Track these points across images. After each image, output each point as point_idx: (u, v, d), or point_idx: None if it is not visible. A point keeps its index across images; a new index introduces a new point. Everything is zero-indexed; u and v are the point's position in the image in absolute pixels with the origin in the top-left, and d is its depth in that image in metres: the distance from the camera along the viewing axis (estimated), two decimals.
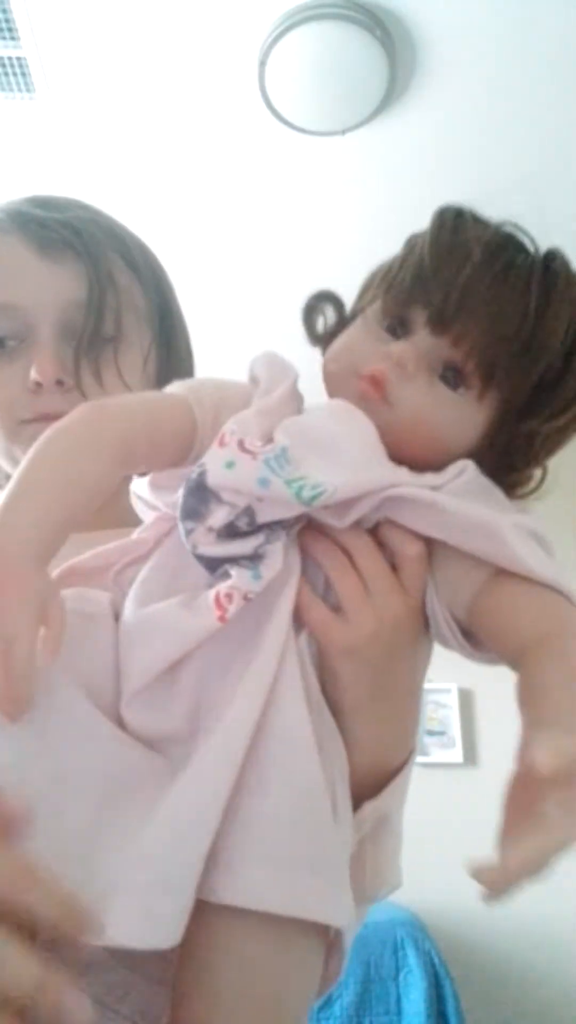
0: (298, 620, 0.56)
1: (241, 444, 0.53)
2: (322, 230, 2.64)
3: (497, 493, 0.59)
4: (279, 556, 0.53)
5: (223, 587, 0.52)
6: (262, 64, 2.05)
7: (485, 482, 0.58)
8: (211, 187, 2.50)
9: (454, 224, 0.60)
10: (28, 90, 2.17)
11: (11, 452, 0.74)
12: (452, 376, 0.58)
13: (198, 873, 0.45)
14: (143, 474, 0.61)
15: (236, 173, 2.45)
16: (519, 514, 0.58)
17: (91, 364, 0.72)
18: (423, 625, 0.59)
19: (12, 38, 2.03)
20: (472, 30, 2.01)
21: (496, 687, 3.44)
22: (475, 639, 0.58)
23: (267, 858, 0.46)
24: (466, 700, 3.32)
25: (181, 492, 0.53)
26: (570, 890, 3.09)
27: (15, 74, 2.12)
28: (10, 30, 2.01)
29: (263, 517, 0.53)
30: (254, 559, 0.52)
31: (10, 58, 2.08)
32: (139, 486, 0.61)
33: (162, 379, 0.79)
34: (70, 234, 0.75)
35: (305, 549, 0.57)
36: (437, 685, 3.30)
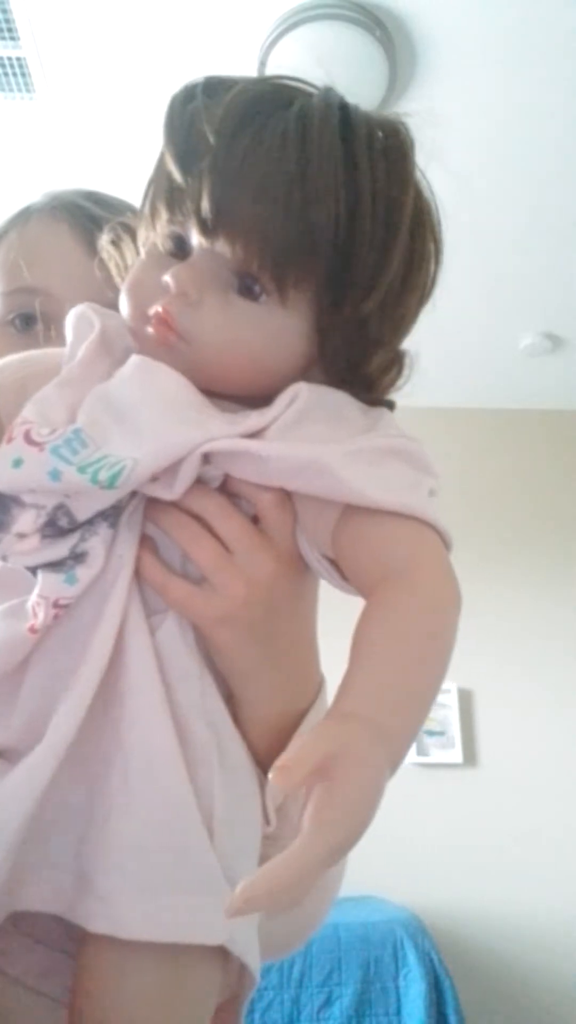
0: (157, 606, 0.51)
1: (27, 436, 0.47)
2: None
3: (345, 410, 0.52)
4: (100, 553, 0.48)
5: (33, 596, 0.47)
6: (262, 64, 2.05)
7: (328, 400, 0.51)
8: None
9: (184, 107, 0.51)
10: (28, 90, 2.17)
11: None
12: (251, 285, 0.49)
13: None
14: None
15: None
16: (367, 433, 0.50)
17: None
18: (302, 567, 0.54)
19: (12, 38, 2.03)
20: (472, 31, 2.01)
21: (496, 687, 3.42)
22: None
23: (137, 884, 0.44)
24: (465, 700, 3.32)
25: None
26: (570, 890, 3.09)
27: (15, 74, 2.12)
28: (10, 30, 2.01)
29: (82, 513, 0.47)
30: (75, 559, 0.47)
31: (10, 58, 2.08)
32: None
33: None
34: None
35: (156, 524, 0.51)
36: None
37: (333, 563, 0.52)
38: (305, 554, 0.53)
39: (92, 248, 0.72)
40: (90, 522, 0.48)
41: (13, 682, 0.48)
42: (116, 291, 0.54)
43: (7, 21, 1.99)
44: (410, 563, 0.47)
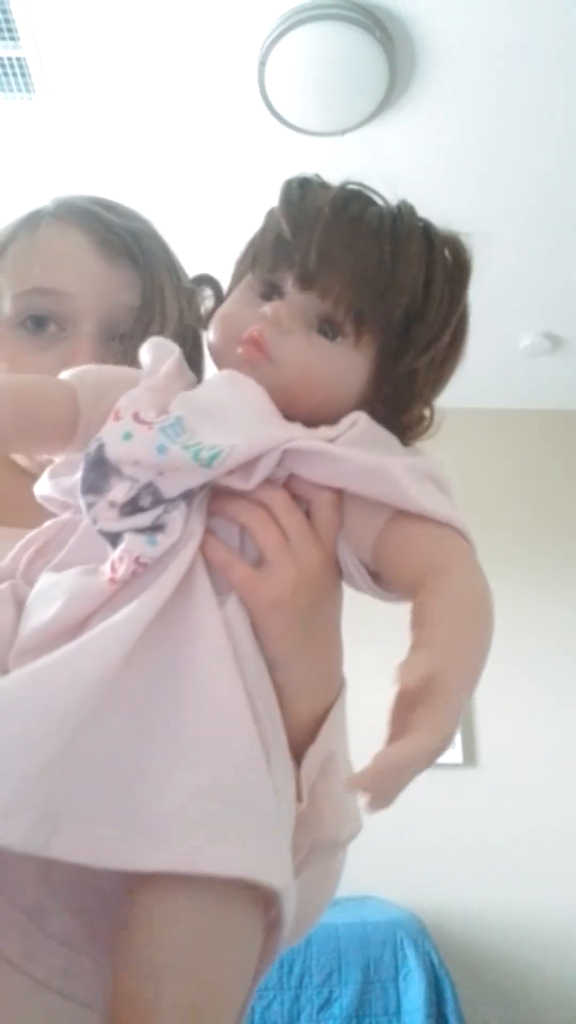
0: (222, 585, 0.56)
1: (136, 416, 0.54)
2: None
3: (392, 441, 0.61)
4: (178, 524, 0.54)
5: (117, 552, 0.53)
6: (262, 64, 2.05)
7: (379, 431, 0.60)
8: (210, 187, 2.50)
9: (301, 191, 0.64)
10: (28, 90, 2.17)
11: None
12: (328, 328, 0.60)
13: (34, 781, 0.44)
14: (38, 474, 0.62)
15: (235, 173, 2.45)
16: (412, 457, 0.60)
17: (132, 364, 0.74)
18: (337, 572, 0.62)
19: (12, 38, 2.03)
20: (472, 31, 2.01)
21: (496, 687, 3.44)
22: (382, 581, 0.60)
23: (201, 823, 0.46)
24: (465, 700, 3.32)
25: (81, 468, 0.54)
26: (570, 890, 3.09)
27: (15, 74, 2.12)
28: (10, 30, 2.01)
29: (168, 491, 0.54)
30: (153, 530, 0.53)
31: (10, 58, 2.08)
32: (40, 485, 0.62)
33: None
34: (130, 240, 0.77)
35: (220, 512, 0.58)
36: None
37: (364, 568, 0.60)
38: (342, 558, 0.60)
39: (104, 250, 0.75)
40: (172, 501, 0.54)
41: (74, 635, 0.51)
42: (131, 294, 0.71)
43: (7, 21, 1.99)
44: (452, 561, 0.56)
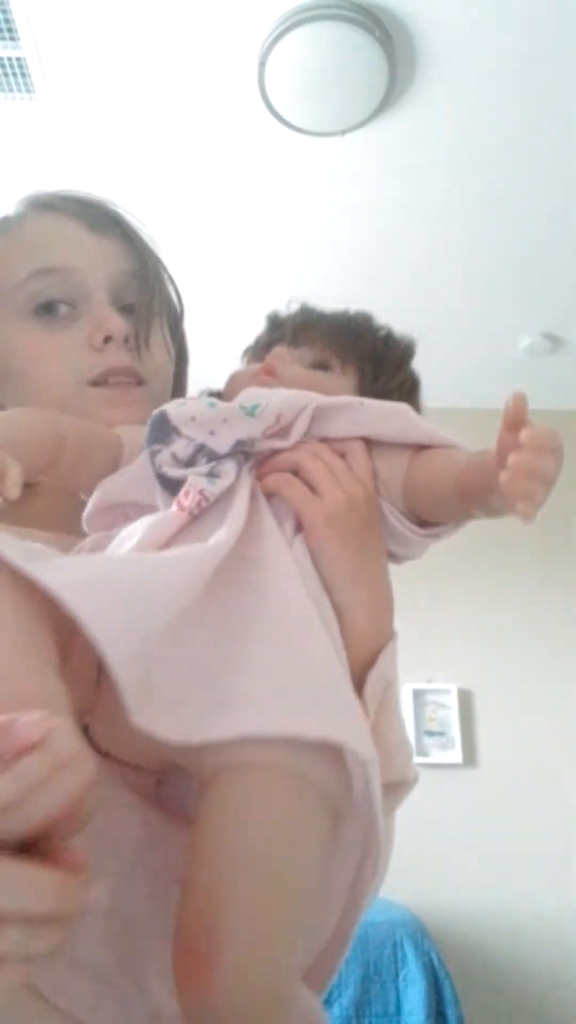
0: (283, 525, 0.64)
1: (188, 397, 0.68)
2: (321, 230, 2.64)
3: None
4: (232, 472, 0.62)
5: (183, 490, 0.61)
6: (262, 64, 2.05)
7: None
8: (210, 187, 2.50)
9: (300, 308, 0.84)
10: (28, 91, 2.17)
11: None
12: (320, 366, 0.77)
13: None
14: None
15: (235, 173, 2.45)
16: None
17: (146, 330, 0.77)
18: (380, 515, 0.68)
19: (12, 38, 2.03)
20: (471, 31, 2.01)
21: (496, 688, 3.42)
22: (413, 519, 0.68)
23: (285, 697, 0.49)
24: (465, 701, 3.33)
25: (148, 425, 0.64)
26: (570, 891, 3.09)
27: (15, 75, 2.12)
28: (10, 31, 2.01)
29: (219, 448, 0.63)
30: (212, 475, 0.62)
31: (10, 58, 2.08)
32: (89, 505, 0.68)
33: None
34: (114, 216, 0.81)
35: (271, 466, 0.67)
36: (437, 686, 3.30)
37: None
38: (384, 512, 0.68)
39: (95, 227, 0.77)
40: (224, 457, 0.63)
41: None
42: (129, 261, 0.79)
43: (7, 22, 1.99)
44: (473, 456, 0.63)
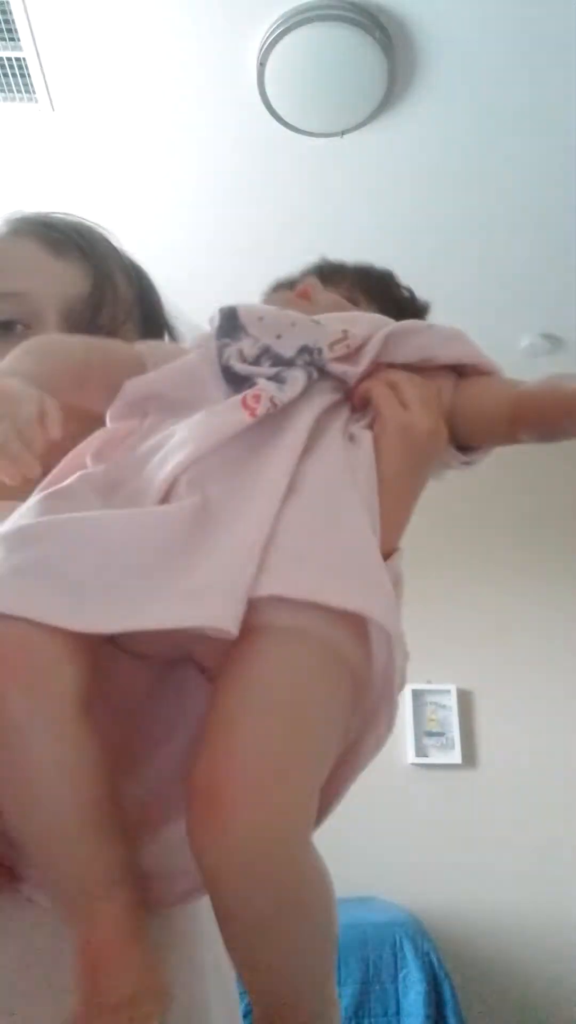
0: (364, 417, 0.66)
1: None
2: (321, 231, 2.64)
3: None
4: (300, 381, 0.62)
5: (249, 392, 0.59)
6: (262, 65, 2.05)
7: None
8: (210, 187, 2.50)
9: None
10: (28, 91, 2.17)
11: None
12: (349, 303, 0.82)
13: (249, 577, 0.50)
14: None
15: (235, 173, 2.45)
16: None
17: None
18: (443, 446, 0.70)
19: (12, 39, 2.03)
20: (471, 32, 2.01)
21: (496, 688, 3.41)
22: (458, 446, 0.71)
23: (316, 566, 0.51)
24: (465, 701, 3.33)
25: (216, 317, 0.64)
26: (570, 891, 3.09)
27: (15, 76, 2.12)
28: (9, 31, 2.01)
29: (285, 351, 0.63)
30: (279, 380, 0.61)
31: (10, 59, 2.08)
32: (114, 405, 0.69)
33: None
34: (77, 236, 0.85)
35: (355, 392, 0.68)
36: (437, 686, 3.30)
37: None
38: None
39: (57, 251, 0.83)
40: (290, 362, 0.63)
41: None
42: (84, 284, 0.81)
43: (7, 23, 1.99)
44: (522, 381, 0.67)
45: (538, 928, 3.08)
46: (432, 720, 3.31)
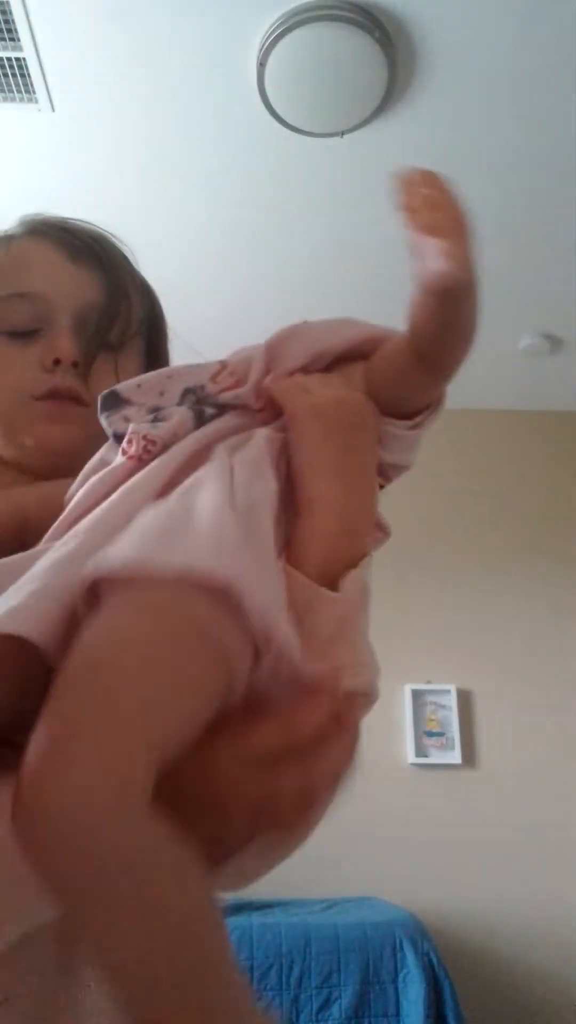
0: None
1: None
2: (320, 231, 2.64)
3: None
4: (187, 417, 0.63)
5: (124, 440, 0.61)
6: (261, 65, 2.05)
7: None
8: (210, 187, 2.50)
9: None
10: (28, 91, 2.17)
11: (16, 438, 0.80)
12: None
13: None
14: None
15: (235, 173, 2.45)
16: None
17: (101, 356, 0.82)
18: (375, 422, 0.69)
19: (12, 39, 2.03)
20: (471, 32, 2.01)
21: (496, 688, 3.42)
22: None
23: (158, 537, 0.50)
24: (465, 701, 3.33)
25: (98, 402, 0.65)
26: (570, 891, 3.09)
27: (15, 76, 2.12)
28: (9, 31, 2.01)
29: (170, 402, 0.64)
30: (154, 421, 0.63)
31: (9, 59, 2.08)
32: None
33: None
34: (95, 245, 0.86)
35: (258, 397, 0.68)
36: (436, 686, 3.30)
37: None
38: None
39: (74, 257, 0.84)
40: (172, 406, 0.64)
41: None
42: (98, 293, 0.81)
43: (7, 23, 1.99)
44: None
45: (538, 928, 3.08)
46: (432, 720, 3.31)
